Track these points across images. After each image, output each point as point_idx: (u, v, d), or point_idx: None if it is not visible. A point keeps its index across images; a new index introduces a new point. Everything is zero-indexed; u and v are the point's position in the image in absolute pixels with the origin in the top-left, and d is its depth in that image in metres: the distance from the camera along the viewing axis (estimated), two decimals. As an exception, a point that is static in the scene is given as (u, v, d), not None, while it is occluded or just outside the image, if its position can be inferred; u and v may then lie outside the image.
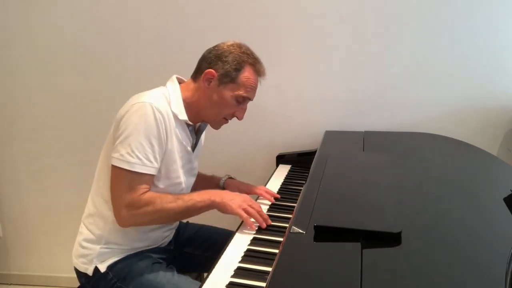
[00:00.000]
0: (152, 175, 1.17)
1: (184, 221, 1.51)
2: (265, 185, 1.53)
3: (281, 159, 1.77)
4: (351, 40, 1.73)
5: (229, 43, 1.27)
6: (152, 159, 1.15)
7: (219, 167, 1.91)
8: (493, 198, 1.13)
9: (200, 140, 1.38)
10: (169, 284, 1.18)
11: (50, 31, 1.88)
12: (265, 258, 1.03)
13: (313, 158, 1.45)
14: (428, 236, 0.94)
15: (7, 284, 2.26)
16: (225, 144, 1.92)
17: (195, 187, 1.49)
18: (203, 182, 1.51)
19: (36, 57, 1.92)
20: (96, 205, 1.24)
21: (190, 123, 1.27)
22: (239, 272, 0.99)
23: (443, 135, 1.66)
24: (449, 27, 1.67)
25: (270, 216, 1.25)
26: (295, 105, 1.83)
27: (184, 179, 1.29)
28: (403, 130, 1.75)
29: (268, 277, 0.81)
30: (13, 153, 2.07)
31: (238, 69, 1.23)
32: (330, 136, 1.70)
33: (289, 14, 1.74)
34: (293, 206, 1.28)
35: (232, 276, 0.98)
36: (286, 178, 1.60)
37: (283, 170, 1.68)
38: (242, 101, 1.27)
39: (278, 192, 1.46)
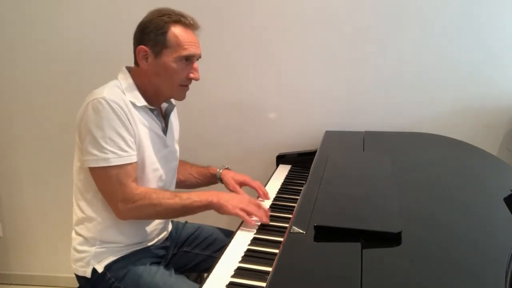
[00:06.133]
0: (133, 163, 1.17)
1: (183, 220, 1.50)
2: (265, 185, 1.53)
3: (281, 159, 1.77)
4: (352, 41, 1.73)
5: (147, 14, 1.22)
6: (126, 148, 1.14)
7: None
8: (493, 198, 1.13)
9: (171, 123, 1.35)
10: (165, 285, 1.18)
11: (51, 31, 1.88)
12: (265, 258, 1.03)
13: (313, 158, 1.45)
14: (428, 236, 0.94)
15: (7, 284, 2.26)
16: (225, 144, 1.92)
17: (191, 179, 1.51)
18: (198, 174, 1.51)
19: (36, 56, 1.92)
20: (82, 210, 1.24)
21: (152, 107, 1.24)
22: (239, 272, 0.99)
23: (443, 135, 1.66)
24: (449, 27, 1.67)
25: (270, 216, 1.25)
26: (295, 105, 1.83)
27: (161, 165, 1.28)
28: (403, 130, 1.75)
29: (268, 277, 0.81)
30: (13, 153, 2.07)
31: (164, 32, 1.17)
32: (330, 136, 1.70)
33: (289, 14, 1.74)
34: (293, 206, 1.28)
35: (232, 276, 0.98)
36: (286, 178, 1.60)
37: (283, 170, 1.68)
38: (188, 61, 1.21)
39: (278, 192, 1.47)
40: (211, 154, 1.93)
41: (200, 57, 1.26)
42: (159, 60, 1.19)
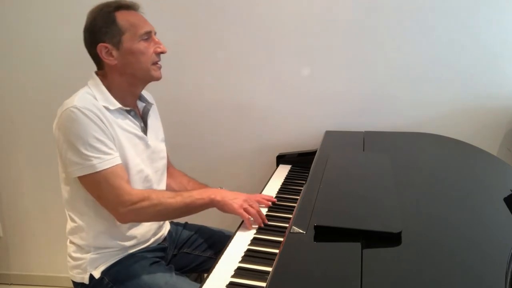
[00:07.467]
0: (120, 164, 1.16)
1: (183, 221, 1.50)
2: (265, 185, 1.53)
3: (281, 159, 1.76)
4: (351, 41, 1.73)
5: (87, 18, 1.22)
6: (108, 150, 1.14)
7: (219, 167, 1.92)
8: (493, 198, 1.13)
9: (151, 122, 1.33)
10: (166, 285, 1.18)
11: (51, 31, 1.88)
12: (265, 258, 1.03)
13: (313, 158, 1.45)
14: (428, 236, 0.94)
15: (7, 284, 2.26)
16: (225, 144, 1.92)
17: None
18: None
19: (36, 55, 1.92)
20: (73, 220, 1.24)
21: (127, 108, 1.23)
22: (239, 272, 0.99)
23: (443, 135, 1.66)
24: (449, 27, 1.67)
25: (270, 216, 1.26)
26: (295, 105, 1.83)
27: (145, 166, 1.27)
28: (403, 130, 1.75)
29: (268, 277, 0.81)
30: (13, 153, 2.07)
31: (113, 21, 1.17)
32: (330, 136, 1.70)
33: (290, 14, 1.74)
34: (293, 206, 1.28)
35: (232, 276, 0.98)
36: (286, 178, 1.60)
37: (283, 170, 1.68)
38: (148, 39, 1.21)
39: (278, 192, 1.47)
40: (211, 154, 1.93)
41: (155, 32, 1.25)
42: (123, 48, 1.18)
